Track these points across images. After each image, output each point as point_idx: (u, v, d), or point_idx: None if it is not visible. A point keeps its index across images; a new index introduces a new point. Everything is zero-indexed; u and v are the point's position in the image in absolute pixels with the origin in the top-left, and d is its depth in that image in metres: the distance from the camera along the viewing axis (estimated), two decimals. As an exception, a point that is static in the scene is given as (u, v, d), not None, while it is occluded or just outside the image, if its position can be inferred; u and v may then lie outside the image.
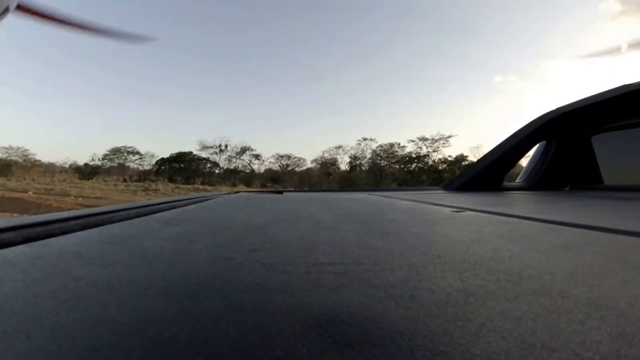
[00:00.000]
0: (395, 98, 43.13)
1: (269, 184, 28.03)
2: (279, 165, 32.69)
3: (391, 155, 30.49)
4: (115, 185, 22.97)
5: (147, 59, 41.97)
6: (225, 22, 42.39)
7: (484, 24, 40.66)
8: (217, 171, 32.14)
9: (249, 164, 32.83)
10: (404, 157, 30.09)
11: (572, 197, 1.90)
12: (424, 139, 29.36)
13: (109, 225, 0.79)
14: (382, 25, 42.44)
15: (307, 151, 55.04)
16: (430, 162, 28.96)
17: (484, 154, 2.83)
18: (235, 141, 34.36)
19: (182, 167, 31.07)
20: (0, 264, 0.46)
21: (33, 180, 22.73)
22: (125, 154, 31.71)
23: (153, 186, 22.28)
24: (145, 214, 0.99)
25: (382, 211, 1.19)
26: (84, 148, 49.12)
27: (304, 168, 32.67)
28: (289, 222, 0.90)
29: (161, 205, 1.19)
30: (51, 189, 17.92)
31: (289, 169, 32.48)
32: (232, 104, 43.52)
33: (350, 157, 31.42)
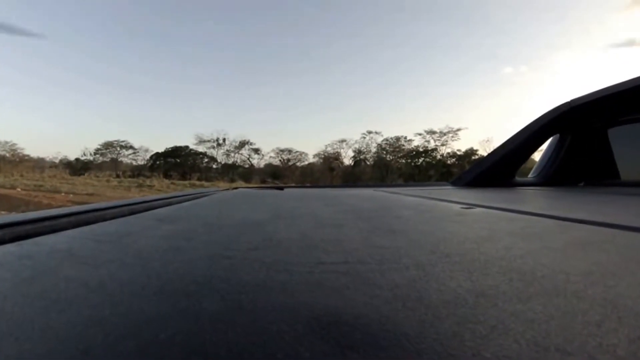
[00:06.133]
0: (401, 90, 43.18)
1: (269, 180, 28.04)
2: (280, 160, 32.79)
3: (397, 150, 30.51)
4: (107, 181, 23.02)
5: (141, 49, 41.97)
6: (223, 11, 42.30)
7: (493, 13, 40.46)
8: (214, 166, 32.28)
9: (248, 159, 32.96)
10: (410, 151, 30.10)
11: (587, 193, 1.90)
12: (431, 132, 29.41)
13: (102, 223, 0.79)
14: (387, 15, 42.36)
15: (309, 145, 55.22)
16: (439, 157, 29.00)
17: (495, 147, 2.82)
18: (234, 135, 34.67)
19: (177, 162, 31.16)
20: None
21: (21, 176, 22.79)
22: (118, 149, 31.91)
23: (147, 182, 22.33)
24: (140, 211, 1.00)
25: (388, 208, 1.19)
26: (75, 142, 49.46)
27: (306, 163, 32.79)
28: (290, 219, 0.90)
29: (156, 202, 1.19)
30: (41, 185, 17.95)
31: (290, 163, 32.53)
32: (231, 96, 43.63)
33: (355, 152, 31.51)
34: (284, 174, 30.80)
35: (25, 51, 39.79)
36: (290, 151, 32.53)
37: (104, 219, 0.83)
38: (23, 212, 1.00)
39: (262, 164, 33.28)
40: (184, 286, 0.37)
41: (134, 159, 32.47)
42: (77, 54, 41.35)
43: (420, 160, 29.31)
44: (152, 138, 50.81)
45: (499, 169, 2.69)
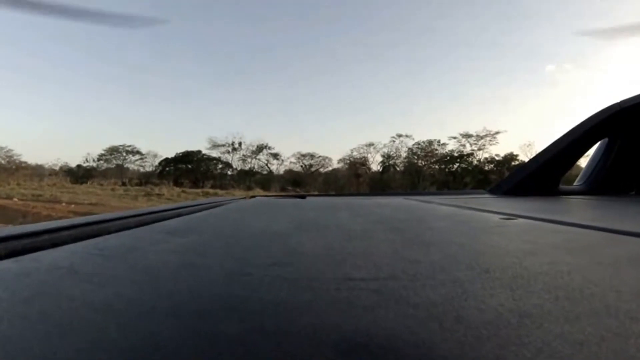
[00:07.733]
0: (434, 90, 42.42)
1: (289, 188, 28.02)
2: (301, 166, 32.59)
3: (430, 154, 30.16)
4: (112, 189, 23.27)
5: (149, 47, 42.56)
6: (238, 6, 42.74)
7: (532, 5, 39.74)
8: (229, 173, 32.19)
9: (267, 165, 32.81)
10: (444, 156, 29.74)
11: (638, 202, 1.86)
12: (467, 136, 28.95)
13: (107, 236, 0.80)
14: (418, 9, 42.06)
15: (333, 149, 54.84)
16: (475, 162, 28.60)
17: (537, 152, 2.79)
18: (251, 138, 34.23)
19: (189, 169, 31.25)
20: None
21: (18, 184, 23.07)
22: (124, 154, 32.07)
23: (156, 190, 22.47)
24: (148, 223, 1.01)
25: (421, 218, 1.19)
26: (76, 148, 49.55)
27: (330, 169, 32.49)
28: (314, 231, 0.90)
29: (166, 213, 1.20)
30: (39, 195, 18.22)
31: (313, 169, 32.33)
32: (247, 97, 43.61)
33: (383, 156, 31.16)
34: (306, 181, 30.62)
35: (23, 49, 40.74)
36: (312, 156, 32.33)
37: (109, 232, 0.84)
38: (21, 224, 1.02)
39: (281, 170, 33.13)
40: (198, 306, 0.38)
41: (142, 165, 32.63)
42: (78, 51, 41.99)
43: (455, 166, 28.94)
44: (161, 142, 50.86)
45: (542, 175, 2.65)
